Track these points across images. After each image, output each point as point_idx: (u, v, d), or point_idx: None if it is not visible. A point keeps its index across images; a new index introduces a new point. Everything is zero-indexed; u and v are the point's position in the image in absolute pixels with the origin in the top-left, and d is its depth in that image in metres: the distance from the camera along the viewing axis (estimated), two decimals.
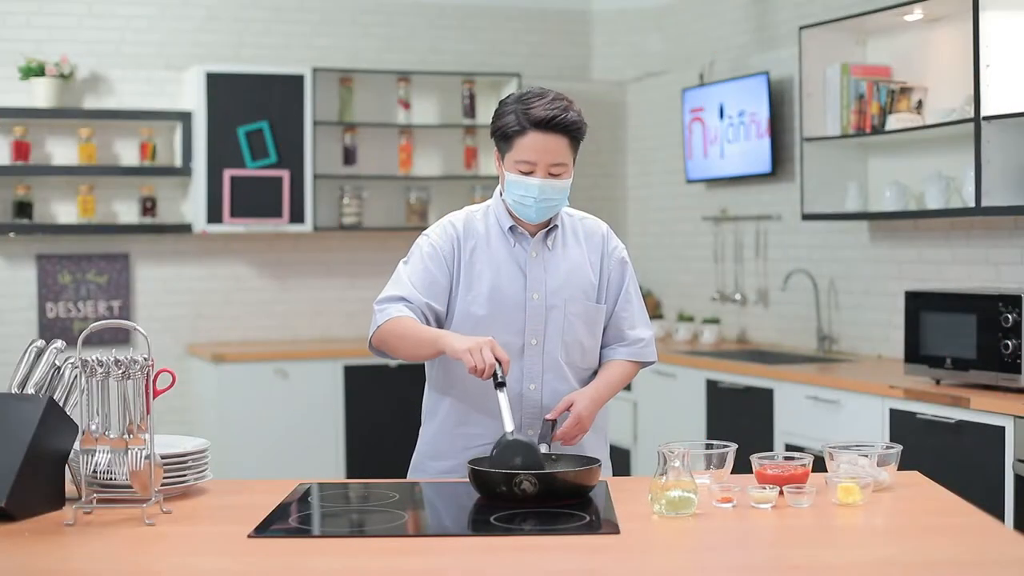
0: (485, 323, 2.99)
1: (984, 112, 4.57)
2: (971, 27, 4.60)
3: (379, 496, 2.74)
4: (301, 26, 7.11)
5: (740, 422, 5.55)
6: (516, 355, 2.99)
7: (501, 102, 3.00)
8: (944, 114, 4.95)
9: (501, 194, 3.07)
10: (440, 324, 3.02)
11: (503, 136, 2.97)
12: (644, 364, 3.17)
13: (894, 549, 2.30)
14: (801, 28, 5.61)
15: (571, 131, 2.94)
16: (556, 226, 3.06)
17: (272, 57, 6.99)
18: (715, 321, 6.76)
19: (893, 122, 5.17)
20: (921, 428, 4.48)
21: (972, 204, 4.72)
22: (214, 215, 6.62)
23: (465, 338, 2.83)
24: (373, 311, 3.01)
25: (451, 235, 3.04)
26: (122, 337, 6.46)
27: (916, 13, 5.15)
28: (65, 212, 6.64)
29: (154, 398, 2.52)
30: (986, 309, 4.41)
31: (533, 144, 2.92)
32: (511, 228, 3.04)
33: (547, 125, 2.90)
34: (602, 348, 3.14)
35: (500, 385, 2.77)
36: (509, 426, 2.76)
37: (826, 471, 2.72)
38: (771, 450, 5.17)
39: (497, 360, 2.77)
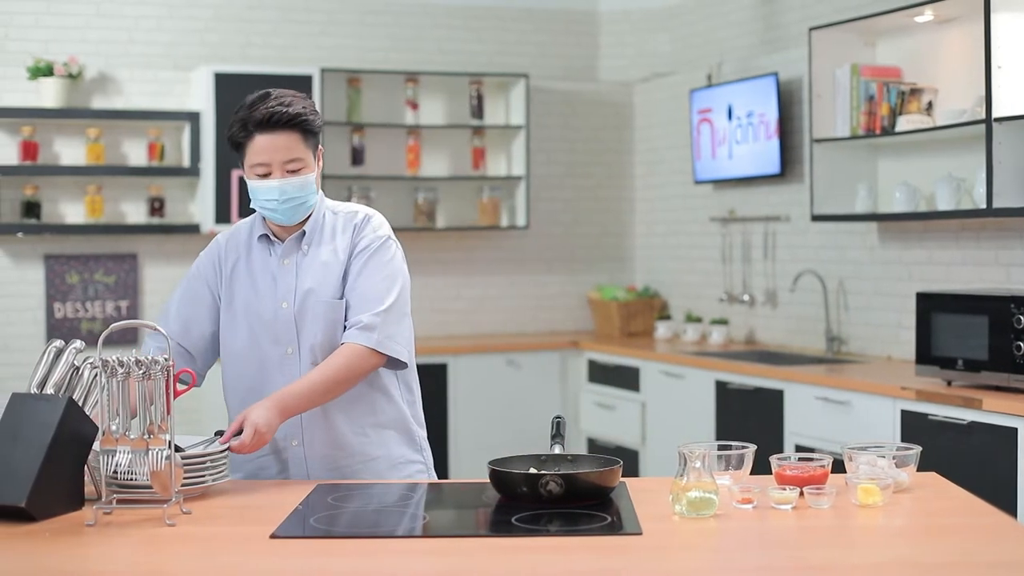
0: (242, 338, 2.97)
1: (996, 114, 4.57)
2: (982, 28, 4.59)
3: (400, 496, 2.74)
4: (309, 26, 7.11)
5: (749, 423, 5.55)
6: (276, 366, 2.95)
7: (234, 111, 2.93)
8: (955, 115, 4.95)
9: None
10: (202, 348, 3.01)
11: (235, 145, 2.92)
12: (384, 355, 2.91)
13: (915, 550, 2.30)
14: (811, 29, 5.61)
15: (298, 124, 2.88)
16: (304, 231, 2.97)
17: (280, 57, 7.00)
18: (723, 322, 6.75)
19: (903, 123, 5.16)
20: (933, 429, 4.48)
21: (983, 205, 4.71)
22: (222, 215, 6.61)
23: None
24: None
25: (213, 254, 3.04)
26: (130, 337, 6.46)
27: (926, 14, 5.14)
28: (73, 212, 6.64)
29: (175, 398, 2.52)
30: (998, 310, 4.41)
31: (263, 145, 2.86)
32: (261, 237, 2.99)
33: (270, 123, 2.85)
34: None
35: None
36: None
37: (842, 472, 2.72)
38: (781, 451, 5.16)
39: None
